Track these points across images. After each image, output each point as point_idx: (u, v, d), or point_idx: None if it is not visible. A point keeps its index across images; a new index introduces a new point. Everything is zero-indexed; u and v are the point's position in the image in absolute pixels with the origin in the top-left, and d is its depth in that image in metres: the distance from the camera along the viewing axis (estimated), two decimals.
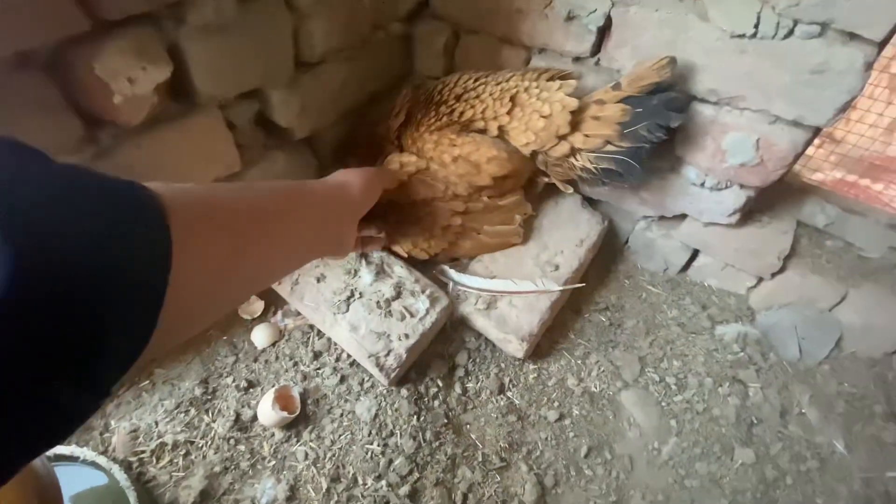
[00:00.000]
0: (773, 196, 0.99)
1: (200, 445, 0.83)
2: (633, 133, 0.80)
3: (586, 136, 0.84)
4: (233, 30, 0.74)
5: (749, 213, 0.96)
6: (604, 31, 0.87)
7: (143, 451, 0.82)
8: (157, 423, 0.85)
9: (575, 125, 0.84)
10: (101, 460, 0.76)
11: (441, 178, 0.89)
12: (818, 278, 0.93)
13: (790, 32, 0.69)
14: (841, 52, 0.67)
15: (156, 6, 0.64)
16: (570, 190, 0.98)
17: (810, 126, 0.76)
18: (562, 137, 0.85)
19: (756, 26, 0.71)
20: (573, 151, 0.87)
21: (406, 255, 0.95)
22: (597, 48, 0.91)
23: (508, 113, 0.86)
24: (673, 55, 0.75)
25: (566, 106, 0.83)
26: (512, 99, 0.86)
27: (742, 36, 0.72)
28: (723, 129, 0.82)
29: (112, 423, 0.85)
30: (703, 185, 0.90)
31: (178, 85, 0.73)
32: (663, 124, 0.77)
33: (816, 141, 1.14)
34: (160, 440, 0.83)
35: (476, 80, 0.90)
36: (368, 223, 0.80)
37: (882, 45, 0.65)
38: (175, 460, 0.82)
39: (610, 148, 0.83)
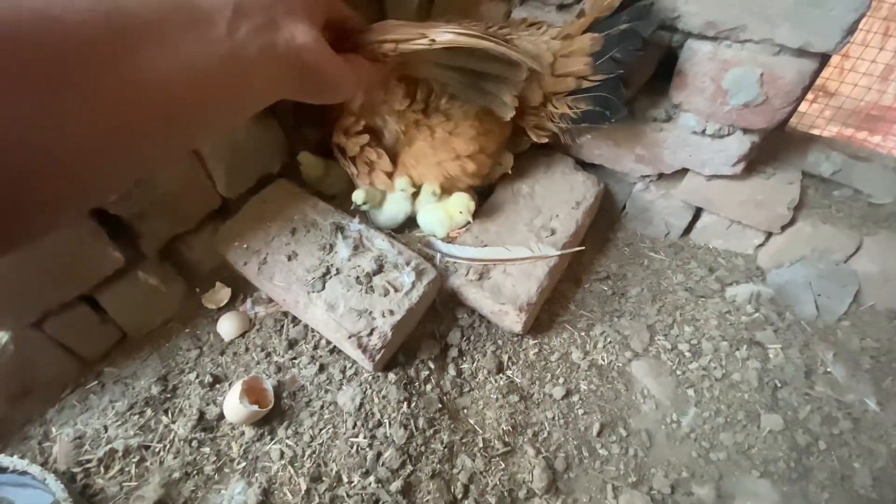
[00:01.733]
0: (776, 146, 0.93)
1: (157, 450, 0.72)
2: (606, 62, 0.72)
3: (557, 77, 0.77)
4: None
5: (752, 164, 0.90)
6: None
7: (89, 461, 0.71)
8: (105, 428, 0.74)
9: (550, 66, 0.77)
10: (35, 470, 0.64)
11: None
12: (830, 228, 0.87)
13: None
14: None
15: None
16: (545, 140, 0.89)
17: (817, 53, 0.70)
18: (536, 84, 0.78)
19: None
20: (546, 98, 0.79)
21: None
22: None
23: None
24: None
25: (550, 48, 0.76)
26: (505, 41, 0.79)
27: None
28: (723, 66, 0.76)
29: (53, 430, 0.74)
30: (703, 132, 0.84)
31: None
32: (636, 38, 0.70)
33: (810, 95, 1.10)
34: (109, 446, 0.72)
35: (469, 22, 0.83)
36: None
37: None
38: (126, 469, 0.70)
39: (585, 85, 0.76)
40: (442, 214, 0.87)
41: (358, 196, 0.86)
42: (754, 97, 0.76)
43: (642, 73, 0.84)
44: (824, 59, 0.72)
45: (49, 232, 0.26)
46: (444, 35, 0.56)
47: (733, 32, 0.73)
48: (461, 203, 0.85)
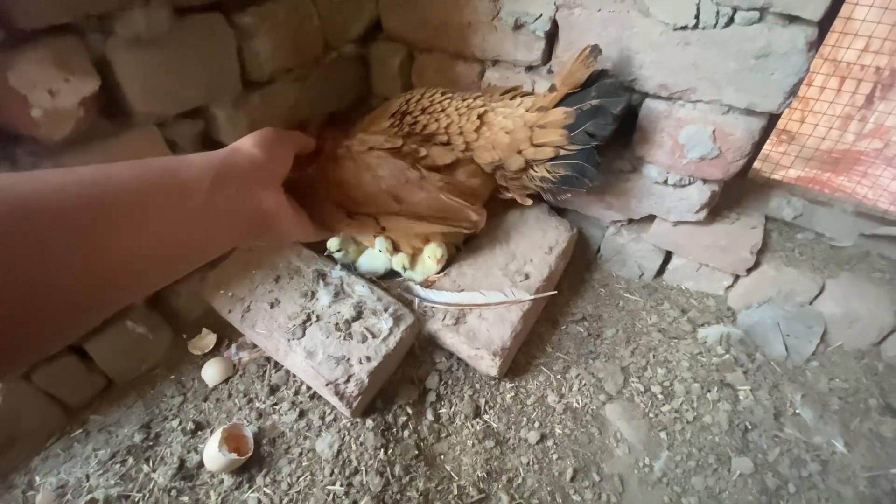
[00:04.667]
0: (739, 192, 0.98)
1: (136, 500, 0.73)
2: (580, 134, 0.78)
3: (536, 146, 0.82)
4: (169, 44, 0.72)
5: (716, 209, 0.94)
6: (552, 37, 0.88)
7: None
8: (87, 477, 0.75)
9: (528, 138, 0.82)
10: None
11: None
12: (793, 271, 0.90)
13: (730, 20, 0.70)
14: (782, 34, 0.67)
15: (78, 17, 0.62)
16: (530, 202, 0.95)
17: (763, 112, 0.75)
18: (519, 151, 0.83)
19: (697, 17, 0.71)
20: (528, 164, 0.85)
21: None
22: (548, 55, 0.91)
23: (476, 130, 0.84)
24: (595, 44, 0.75)
25: (526, 121, 0.82)
26: (480, 117, 0.85)
27: (685, 27, 0.73)
28: (678, 123, 0.82)
29: (37, 479, 0.75)
30: (666, 182, 0.89)
31: (111, 101, 0.69)
32: (607, 115, 0.75)
33: (774, 138, 1.15)
34: (90, 496, 0.73)
35: (443, 95, 0.88)
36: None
37: (822, 24, 0.66)
38: None
39: (562, 153, 0.81)
40: (419, 269, 0.91)
41: (332, 243, 0.90)
42: (708, 151, 0.81)
43: (619, 144, 0.90)
44: (772, 117, 0.78)
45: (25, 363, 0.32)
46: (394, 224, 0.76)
47: (685, 94, 0.79)
48: (433, 252, 0.89)
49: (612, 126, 0.77)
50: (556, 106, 0.80)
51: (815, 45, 0.68)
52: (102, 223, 0.32)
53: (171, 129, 0.79)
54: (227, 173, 0.44)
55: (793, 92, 0.71)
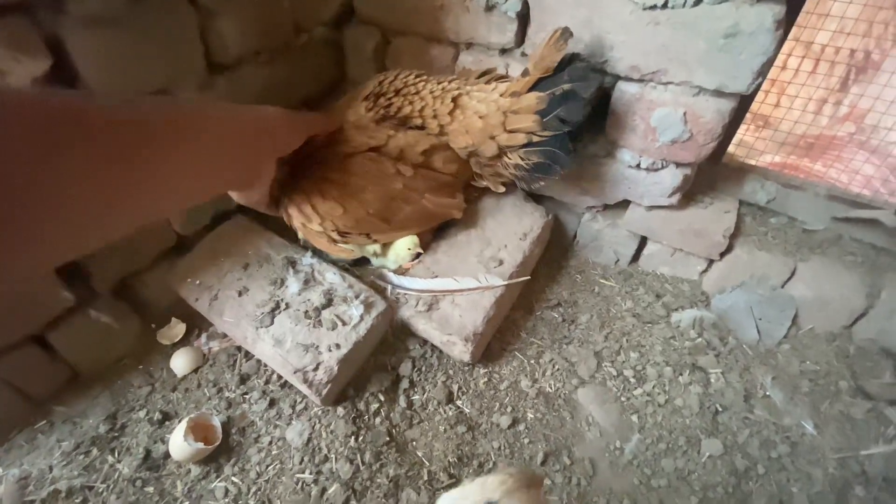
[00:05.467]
0: (713, 177, 0.97)
1: (100, 490, 0.72)
2: (553, 119, 0.77)
3: (510, 132, 0.81)
4: (126, 23, 0.70)
5: (690, 194, 0.94)
6: (525, 19, 0.86)
7: (32, 501, 0.71)
8: (51, 468, 0.74)
9: (501, 123, 0.81)
10: None
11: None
12: (766, 255, 0.90)
13: None
14: (749, 13, 0.66)
15: None
16: (503, 189, 0.94)
17: (733, 93, 0.74)
18: (492, 137, 0.82)
19: None
20: (501, 151, 0.84)
21: (306, 225, 0.82)
22: (521, 38, 0.90)
23: (450, 114, 0.83)
24: (566, 26, 0.74)
25: (500, 106, 0.80)
26: (454, 101, 0.83)
27: (654, 7, 0.72)
28: (649, 105, 0.81)
29: (0, 470, 0.74)
30: (639, 166, 0.88)
31: (67, 82, 0.67)
32: (579, 100, 0.75)
33: (751, 124, 1.15)
34: (53, 487, 0.72)
35: (417, 77, 0.87)
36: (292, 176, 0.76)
37: (790, 2, 0.65)
38: None
39: (535, 139, 0.80)
40: (391, 256, 0.90)
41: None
42: (680, 134, 0.80)
43: (593, 128, 0.89)
44: (742, 99, 0.77)
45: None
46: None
47: (656, 75, 0.78)
48: (408, 242, 0.88)
49: (583, 111, 0.76)
50: (529, 91, 0.78)
51: (784, 24, 0.67)
52: (168, 145, 0.43)
53: None
54: (253, 134, 0.58)
55: (761, 72, 0.71)
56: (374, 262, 0.93)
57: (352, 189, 0.80)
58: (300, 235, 0.95)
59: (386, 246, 0.89)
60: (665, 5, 0.71)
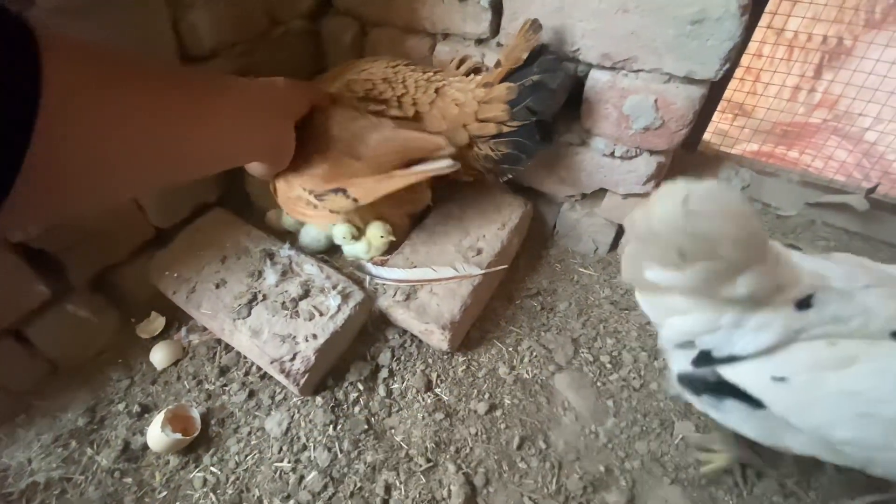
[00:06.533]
0: (688, 165, 0.98)
1: (79, 482, 0.73)
2: (521, 110, 0.78)
3: (480, 121, 0.82)
4: (95, 15, 0.69)
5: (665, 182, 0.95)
6: (499, 9, 0.87)
7: (10, 493, 0.71)
8: (30, 461, 0.74)
9: (473, 113, 0.82)
10: None
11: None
12: None
13: None
14: None
15: None
16: (470, 178, 0.94)
17: (702, 80, 0.75)
18: (464, 126, 0.83)
19: None
20: (472, 140, 0.84)
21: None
22: (496, 28, 0.90)
23: (431, 103, 0.83)
24: (535, 18, 0.76)
25: (475, 96, 0.81)
26: (437, 91, 0.84)
27: None
28: (622, 93, 0.81)
29: None
30: (613, 154, 0.89)
31: None
32: (546, 90, 0.76)
33: (728, 113, 1.16)
34: (32, 479, 0.72)
35: (407, 66, 0.87)
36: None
37: None
38: (47, 501, 0.71)
39: (505, 129, 0.81)
40: (363, 244, 0.90)
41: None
42: (652, 121, 0.81)
43: (566, 117, 0.90)
44: (713, 85, 0.78)
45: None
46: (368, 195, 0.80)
47: (627, 63, 0.78)
48: (379, 230, 0.89)
49: (553, 101, 0.77)
50: (500, 82, 0.79)
51: (750, 9, 0.68)
52: (172, 96, 0.45)
53: None
54: (263, 98, 0.61)
55: (729, 58, 0.71)
56: (347, 249, 0.93)
57: (318, 135, 0.77)
58: (283, 219, 0.96)
59: (360, 231, 0.89)
60: None
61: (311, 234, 0.95)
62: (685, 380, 0.62)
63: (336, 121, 0.78)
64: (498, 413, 0.82)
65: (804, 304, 0.52)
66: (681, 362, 0.62)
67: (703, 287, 0.53)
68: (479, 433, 0.79)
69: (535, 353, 0.89)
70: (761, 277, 0.51)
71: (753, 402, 0.55)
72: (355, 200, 0.81)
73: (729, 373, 0.56)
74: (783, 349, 0.52)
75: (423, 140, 0.80)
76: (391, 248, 0.93)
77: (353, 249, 0.91)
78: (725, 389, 0.57)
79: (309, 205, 0.83)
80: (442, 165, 0.80)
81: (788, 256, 0.57)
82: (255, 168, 0.74)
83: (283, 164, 0.74)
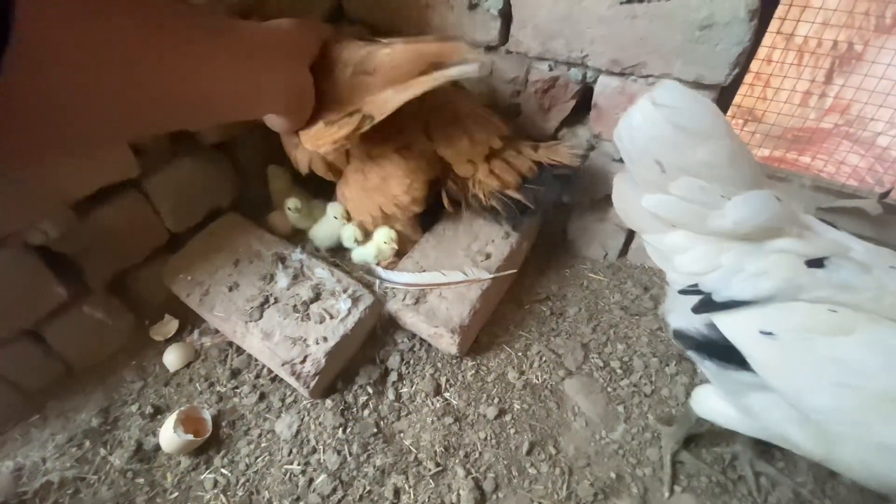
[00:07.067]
0: None
1: (92, 482, 0.73)
2: (530, 191, 0.85)
3: (492, 172, 0.86)
4: None
5: None
6: (508, 17, 0.88)
7: (25, 493, 0.72)
8: (44, 460, 0.76)
9: (489, 158, 0.86)
10: None
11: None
12: None
13: None
14: (724, 3, 0.67)
15: None
16: (449, 206, 0.95)
17: (712, 85, 0.75)
18: (471, 162, 0.87)
19: None
20: (474, 182, 0.88)
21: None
22: (505, 35, 0.91)
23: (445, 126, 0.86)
24: (580, 161, 0.87)
25: (491, 144, 0.86)
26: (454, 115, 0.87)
27: (631, 0, 0.73)
28: (631, 98, 0.82)
29: None
30: (622, 160, 0.89)
31: None
32: (556, 198, 0.86)
33: (741, 121, 1.16)
34: (46, 478, 0.73)
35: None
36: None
37: None
38: (61, 500, 0.72)
39: (505, 192, 0.87)
40: (371, 249, 0.92)
41: (292, 202, 0.92)
42: None
43: (561, 111, 0.92)
44: (723, 90, 0.78)
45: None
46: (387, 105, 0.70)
47: (636, 69, 0.79)
48: (385, 235, 0.90)
49: (551, 204, 0.87)
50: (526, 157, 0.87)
51: (759, 14, 0.68)
52: (204, 52, 0.45)
53: None
54: (272, 39, 0.57)
55: (738, 63, 0.71)
56: (356, 254, 0.94)
57: (330, 68, 0.71)
58: (290, 216, 0.96)
59: (367, 236, 0.91)
60: None
61: (322, 232, 0.96)
62: (678, 335, 0.61)
63: (346, 47, 0.72)
64: (507, 418, 0.81)
65: (816, 263, 0.49)
66: (678, 319, 0.61)
67: (692, 215, 0.52)
68: (489, 438, 0.79)
69: (544, 358, 0.89)
70: (753, 207, 0.49)
71: (733, 363, 0.53)
72: (372, 119, 0.70)
73: (722, 322, 0.53)
74: (779, 304, 0.49)
75: (438, 46, 0.72)
76: (399, 255, 0.94)
77: (361, 253, 0.92)
78: (711, 349, 0.56)
79: (326, 125, 0.72)
80: (466, 69, 0.70)
81: (811, 220, 0.55)
82: (275, 123, 0.69)
83: (304, 116, 0.67)
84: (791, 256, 0.50)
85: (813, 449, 0.51)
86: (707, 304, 0.54)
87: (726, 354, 0.53)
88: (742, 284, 0.51)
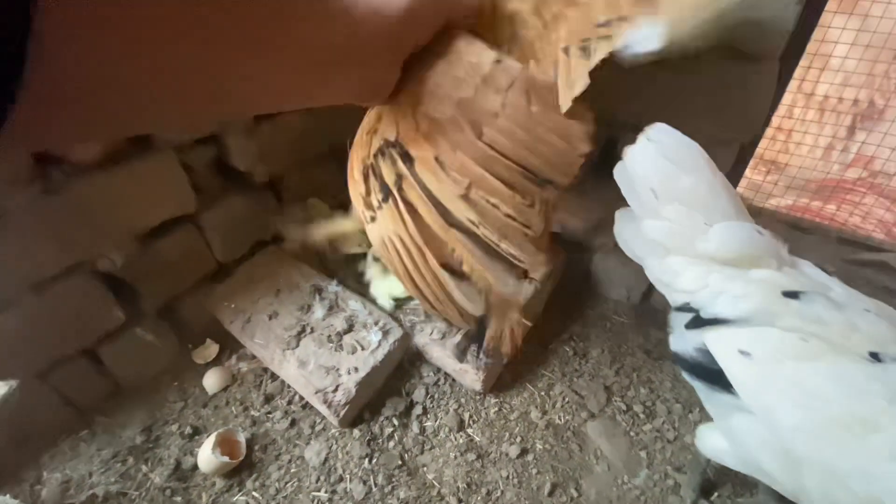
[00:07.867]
0: None
1: (133, 497, 0.78)
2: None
3: None
4: None
5: None
6: None
7: None
8: (90, 474, 0.80)
9: None
10: None
11: None
12: None
13: None
14: (745, 69, 0.72)
15: None
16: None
17: (732, 140, 0.79)
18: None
19: None
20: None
21: None
22: None
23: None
24: None
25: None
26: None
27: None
28: None
29: (44, 473, 0.81)
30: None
31: None
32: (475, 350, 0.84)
33: (763, 168, 1.19)
34: (91, 491, 0.78)
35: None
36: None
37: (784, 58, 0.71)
38: None
39: None
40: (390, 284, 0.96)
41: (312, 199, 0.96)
42: None
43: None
44: (743, 145, 0.82)
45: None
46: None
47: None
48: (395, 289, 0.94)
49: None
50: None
51: (778, 78, 0.72)
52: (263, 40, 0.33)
53: (188, 154, 0.87)
54: (356, 21, 0.38)
55: (761, 123, 0.76)
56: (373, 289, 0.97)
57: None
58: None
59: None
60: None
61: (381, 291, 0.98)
62: (675, 358, 0.64)
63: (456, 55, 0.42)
64: (529, 457, 0.83)
65: (792, 294, 0.53)
66: (676, 342, 0.64)
67: (682, 238, 0.57)
68: (511, 477, 0.80)
69: (567, 399, 0.91)
70: (732, 234, 0.55)
71: (718, 385, 0.56)
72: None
73: (709, 338, 0.57)
74: (757, 327, 0.53)
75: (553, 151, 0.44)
76: None
77: (380, 294, 0.96)
78: (700, 371, 0.59)
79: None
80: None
81: (799, 261, 0.61)
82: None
83: (376, 102, 0.50)
84: (769, 285, 0.55)
85: (784, 480, 0.53)
86: (697, 321, 0.58)
87: (714, 377, 0.57)
88: (725, 304, 0.56)
